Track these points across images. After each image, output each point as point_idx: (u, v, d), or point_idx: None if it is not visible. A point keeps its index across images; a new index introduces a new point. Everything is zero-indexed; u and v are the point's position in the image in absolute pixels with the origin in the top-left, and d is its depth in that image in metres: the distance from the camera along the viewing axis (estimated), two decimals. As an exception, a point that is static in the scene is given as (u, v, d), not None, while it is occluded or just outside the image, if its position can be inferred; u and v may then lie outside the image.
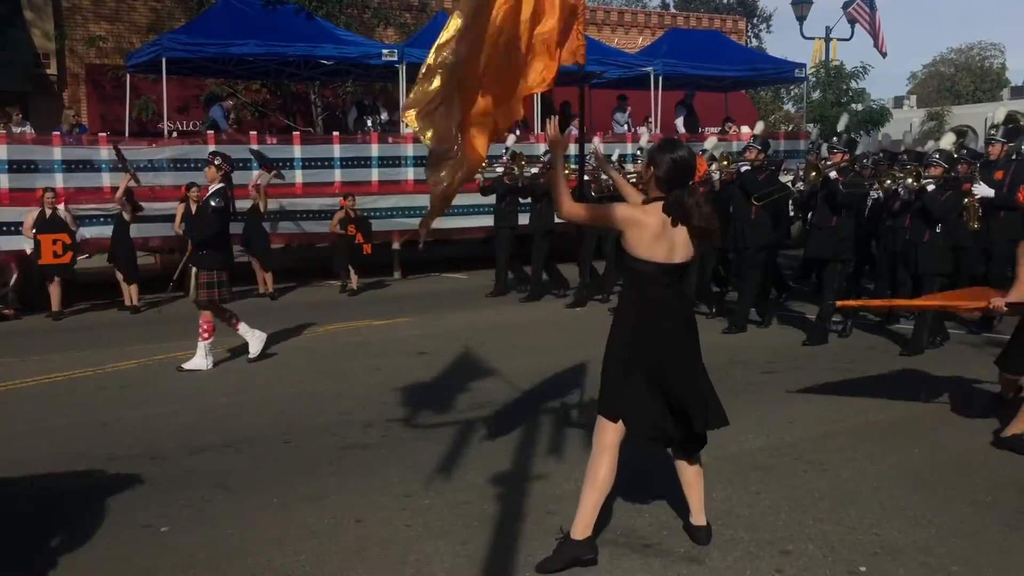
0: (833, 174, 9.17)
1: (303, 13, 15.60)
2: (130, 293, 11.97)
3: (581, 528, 4.14)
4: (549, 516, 4.68)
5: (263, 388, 7.76)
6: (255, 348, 8.71)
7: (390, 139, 14.96)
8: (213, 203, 8.31)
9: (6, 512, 5.00)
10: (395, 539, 4.52)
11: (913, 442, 6.00)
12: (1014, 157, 9.86)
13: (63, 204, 11.77)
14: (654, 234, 4.03)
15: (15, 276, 11.96)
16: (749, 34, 33.89)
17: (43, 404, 7.32)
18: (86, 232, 12.10)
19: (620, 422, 4.13)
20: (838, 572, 4.10)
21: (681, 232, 4.06)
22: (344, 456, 5.88)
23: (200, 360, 8.39)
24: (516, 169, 12.48)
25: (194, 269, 8.51)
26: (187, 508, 4.97)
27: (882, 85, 64.28)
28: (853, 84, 23.38)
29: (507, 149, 13.00)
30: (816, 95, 23.03)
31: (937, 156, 8.90)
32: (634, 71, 17.95)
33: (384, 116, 17.00)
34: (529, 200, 12.70)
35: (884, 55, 23.19)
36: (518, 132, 14.70)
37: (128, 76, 16.21)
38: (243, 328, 8.68)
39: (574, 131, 17.39)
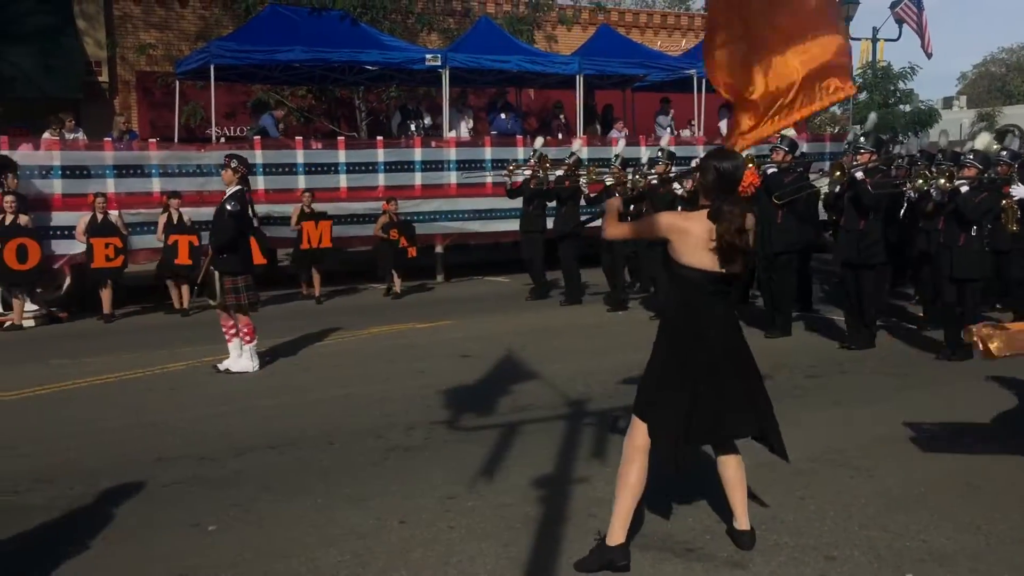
0: (860, 175, 8.88)
1: (348, 19, 15.80)
2: (182, 295, 12.17)
3: (615, 534, 4.12)
4: (591, 519, 4.67)
5: (307, 390, 7.85)
6: (235, 364, 8.44)
7: (433, 143, 15.05)
8: (228, 207, 8.20)
9: (58, 509, 5.11)
10: (438, 541, 4.55)
11: (963, 448, 5.89)
12: None
13: (115, 209, 12.02)
14: (699, 241, 4.02)
15: (68, 279, 12.23)
16: (794, 35, 33.49)
17: (95, 405, 7.48)
18: (135, 241, 12.32)
19: None
20: (885, 579, 4.05)
21: None
22: (388, 458, 5.93)
23: (246, 362, 8.46)
24: (541, 172, 12.39)
25: (217, 274, 8.50)
26: (234, 508, 5.05)
27: (931, 86, 63.41)
28: (901, 85, 23.08)
29: (535, 151, 12.94)
30: (863, 96, 22.75)
31: (971, 157, 8.58)
32: (677, 74, 17.85)
33: (428, 120, 17.11)
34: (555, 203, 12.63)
35: (929, 55, 22.83)
36: (547, 137, 14.78)
37: (177, 83, 16.52)
38: (235, 344, 8.48)
39: (615, 134, 17.42)
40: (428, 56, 15.51)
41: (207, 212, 12.67)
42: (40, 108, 16.15)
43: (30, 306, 11.47)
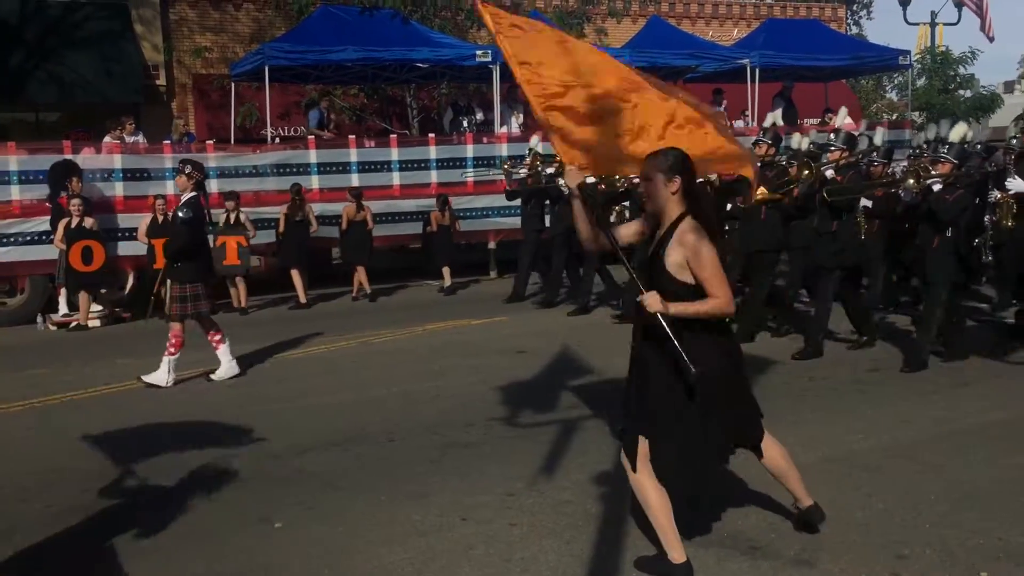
0: (830, 173, 8.48)
1: (399, 18, 15.87)
2: (239, 294, 12.38)
3: (674, 554, 3.99)
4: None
5: (364, 387, 7.91)
6: (222, 373, 8.27)
7: (484, 139, 15.07)
8: (180, 213, 8.01)
9: (130, 504, 5.22)
10: (500, 538, 4.56)
11: (1034, 443, 5.74)
12: None
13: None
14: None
15: (132, 280, 12.49)
16: (849, 22, 32.91)
17: (159, 403, 7.61)
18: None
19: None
20: (958, 577, 3.96)
21: None
22: (447, 455, 5.95)
23: (162, 375, 8.06)
24: (535, 170, 11.95)
25: (168, 282, 8.21)
26: (299, 505, 5.11)
27: (992, 70, 61.63)
28: (960, 70, 22.56)
29: (530, 150, 12.45)
30: (921, 82, 22.28)
31: (946, 151, 7.94)
32: (730, 64, 17.63)
33: (479, 116, 17.12)
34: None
35: (991, 39, 22.27)
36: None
37: (232, 84, 16.76)
38: (223, 350, 8.28)
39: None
40: (478, 52, 15.52)
41: (264, 212, 12.96)
42: (101, 112, 16.50)
43: (95, 307, 11.74)
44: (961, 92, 22.78)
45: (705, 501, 4.69)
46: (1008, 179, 8.53)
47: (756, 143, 9.55)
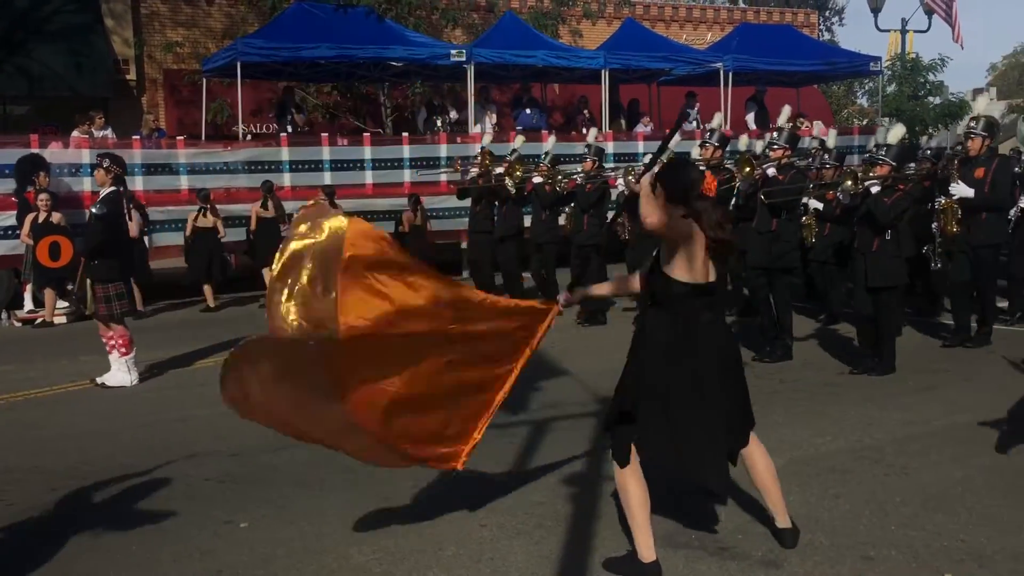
0: (772, 171, 8.23)
1: (373, 16, 15.81)
2: (207, 293, 12.28)
3: (644, 551, 4.01)
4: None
5: (337, 387, 7.84)
6: (113, 379, 7.97)
7: (458, 139, 15.05)
8: (95, 210, 7.83)
9: (89, 507, 5.15)
10: (470, 538, 4.54)
11: (996, 444, 5.79)
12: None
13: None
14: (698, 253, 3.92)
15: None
16: (821, 27, 33.23)
17: (124, 401, 7.53)
18: (162, 238, 12.42)
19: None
20: (923, 579, 3.99)
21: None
22: (417, 455, 5.91)
23: (121, 376, 7.94)
24: (486, 169, 11.66)
25: (88, 282, 7.99)
26: (266, 505, 5.06)
27: (961, 77, 62.53)
28: (930, 77, 22.81)
29: (482, 148, 12.26)
30: (891, 88, 22.51)
31: (884, 152, 7.78)
32: (704, 67, 17.73)
33: (453, 115, 17.10)
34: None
35: (962, 47, 22.56)
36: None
37: (204, 80, 16.61)
38: (113, 356, 7.98)
39: (642, 129, 17.33)
40: (453, 51, 15.51)
41: (235, 209, 12.86)
42: (69, 106, 16.31)
43: (61, 303, 11.58)
44: (931, 99, 23.01)
45: (673, 503, 4.70)
46: (952, 184, 8.43)
47: (703, 145, 9.33)
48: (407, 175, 14.30)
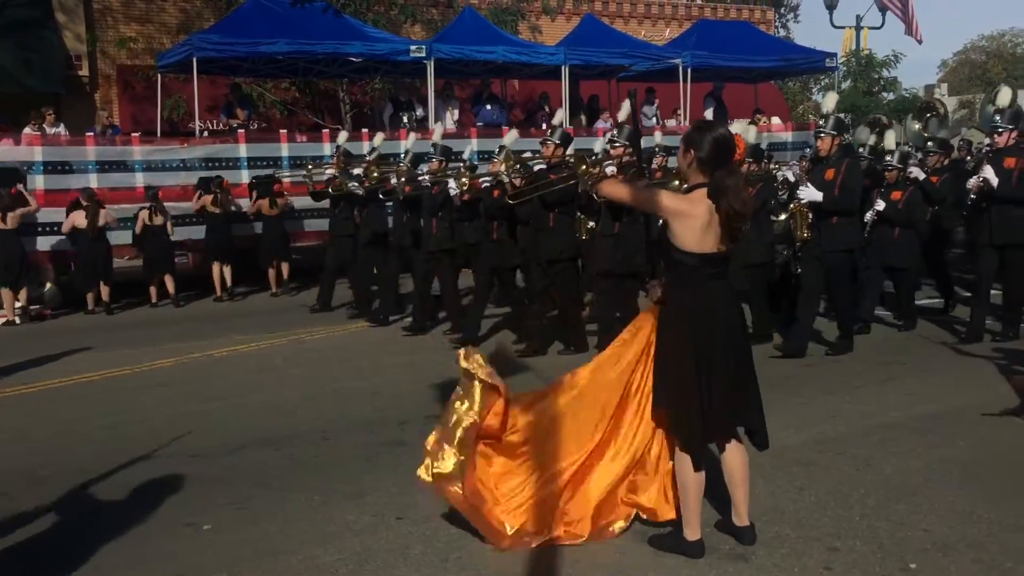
0: (611, 170, 7.84)
1: (331, 11, 15.66)
2: (170, 288, 12.15)
3: (688, 529, 4.15)
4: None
5: (298, 386, 7.77)
6: None
7: (418, 135, 14.90)
8: None
9: (51, 507, 5.03)
10: (437, 537, 4.50)
11: (958, 435, 5.89)
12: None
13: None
14: (703, 224, 3.94)
15: (51, 276, 12.13)
16: (777, 24, 33.55)
17: (83, 403, 7.38)
18: (119, 236, 12.19)
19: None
20: (889, 569, 4.02)
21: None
22: (382, 453, 5.87)
23: None
24: (342, 169, 11.16)
25: None
26: (229, 506, 4.98)
27: (913, 73, 63.44)
28: (884, 73, 23.16)
29: (338, 147, 11.91)
30: (847, 85, 22.81)
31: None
32: (662, 63, 17.82)
33: (420, 112, 17.01)
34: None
35: (920, 41, 22.90)
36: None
37: (159, 76, 16.33)
38: None
39: (602, 125, 17.36)
40: (413, 47, 15.41)
41: (190, 207, 12.67)
42: (19, 103, 15.93)
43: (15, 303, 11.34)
44: (885, 94, 23.37)
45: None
46: (801, 187, 8.18)
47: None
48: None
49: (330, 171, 11.41)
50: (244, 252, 13.09)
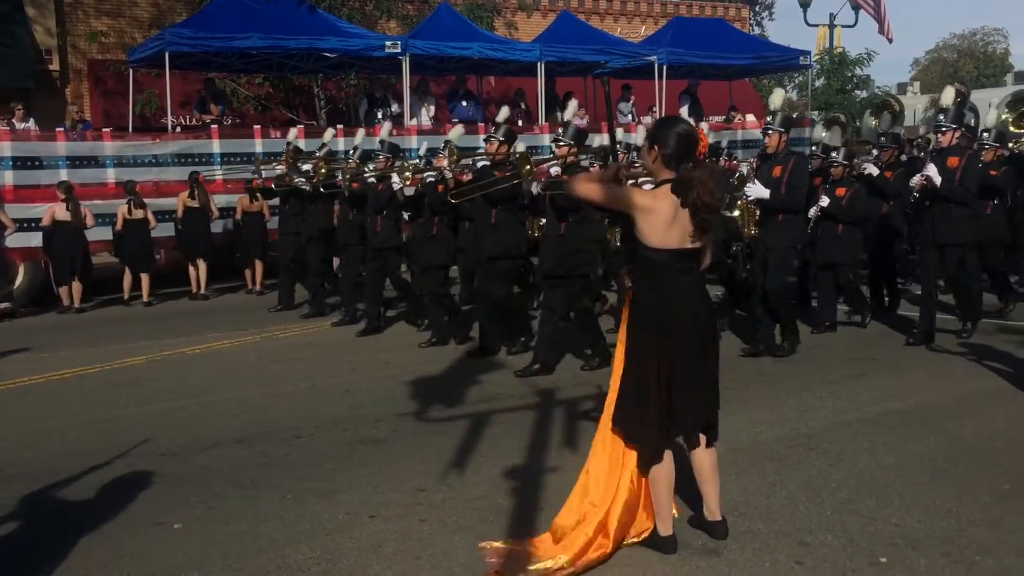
0: (555, 170, 7.68)
1: (305, 6, 15.56)
2: (145, 287, 12.03)
3: (660, 525, 4.19)
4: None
5: (272, 383, 7.72)
6: None
7: (394, 131, 14.87)
8: None
9: (17, 510, 4.96)
10: (410, 535, 4.48)
11: (929, 431, 5.94)
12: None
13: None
14: (667, 220, 3.94)
15: (20, 273, 11.98)
16: (752, 22, 33.71)
17: (53, 401, 7.30)
18: (91, 233, 12.06)
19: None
20: (859, 563, 4.05)
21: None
22: (356, 451, 5.84)
23: None
24: (290, 165, 11.11)
25: None
26: (200, 505, 4.94)
27: (885, 72, 64.25)
28: (857, 71, 23.34)
29: (288, 144, 11.67)
30: (820, 82, 22.96)
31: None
32: (638, 60, 17.85)
33: (395, 108, 16.93)
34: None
35: (891, 40, 23.10)
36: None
37: (131, 71, 16.15)
38: None
39: (577, 121, 17.35)
40: (388, 43, 15.36)
41: (163, 203, 12.57)
42: (-12, 98, 15.75)
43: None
44: (858, 92, 23.55)
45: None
46: (748, 184, 8.11)
47: (488, 139, 8.60)
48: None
49: (280, 168, 11.34)
50: (218, 249, 13.00)
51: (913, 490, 4.89)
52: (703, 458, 4.26)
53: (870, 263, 10.19)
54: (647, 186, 4.74)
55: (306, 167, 10.76)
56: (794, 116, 8.65)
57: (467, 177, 8.56)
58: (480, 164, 8.57)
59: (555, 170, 7.68)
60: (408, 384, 7.39)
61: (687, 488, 4.44)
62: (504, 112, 9.22)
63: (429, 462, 5.50)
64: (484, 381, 7.46)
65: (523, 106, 18.05)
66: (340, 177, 9.92)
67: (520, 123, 16.62)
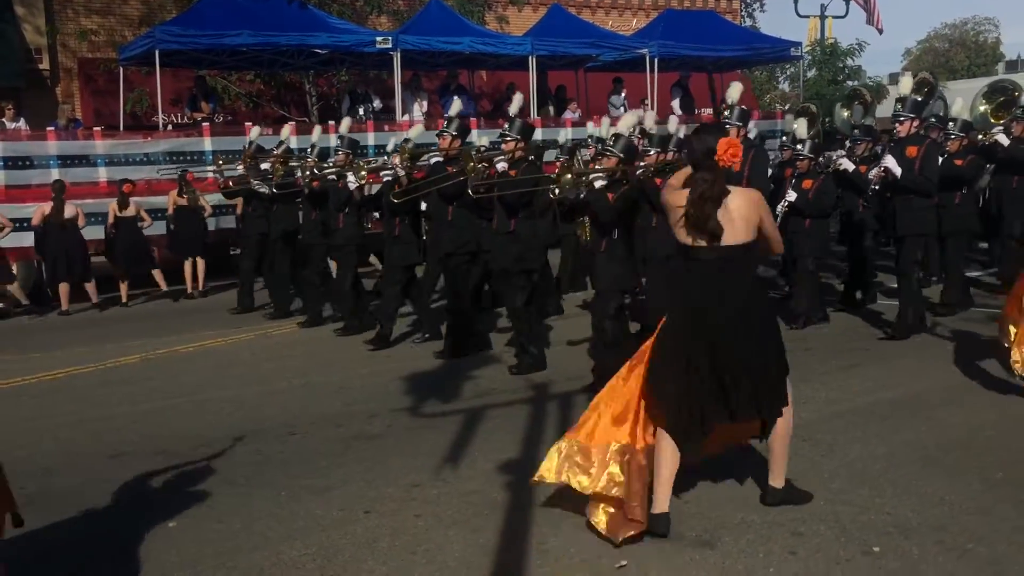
0: (502, 165, 7.49)
1: (296, 2, 15.49)
2: (123, 288, 12.02)
3: (656, 502, 4.27)
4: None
5: (266, 380, 7.72)
6: None
7: (386, 127, 14.87)
8: None
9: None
10: (405, 530, 4.49)
11: (920, 420, 5.97)
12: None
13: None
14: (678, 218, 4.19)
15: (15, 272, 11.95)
16: (743, 14, 33.69)
17: (47, 401, 7.29)
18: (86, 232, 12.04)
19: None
20: (852, 552, 4.07)
21: (724, 212, 4.12)
22: (350, 447, 5.85)
23: None
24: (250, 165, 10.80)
25: None
26: (193, 503, 4.94)
27: (877, 62, 64.35)
28: (849, 62, 23.34)
29: (250, 142, 11.26)
30: (812, 73, 22.95)
31: (612, 143, 6.89)
32: (629, 53, 17.83)
33: (377, 103, 16.89)
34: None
35: (880, 31, 23.12)
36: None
37: (121, 69, 16.10)
38: None
39: (569, 115, 17.36)
40: (378, 39, 15.31)
41: (155, 202, 12.54)
42: (-22, 97, 15.67)
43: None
44: (849, 83, 23.53)
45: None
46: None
47: (440, 134, 8.48)
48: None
49: (241, 168, 11.10)
50: (211, 247, 12.97)
51: (905, 479, 4.91)
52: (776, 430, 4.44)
53: (848, 257, 10.17)
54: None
55: (265, 166, 10.53)
56: (743, 108, 8.41)
57: (422, 175, 8.44)
58: (433, 160, 8.37)
59: (501, 166, 7.54)
60: (402, 380, 7.40)
61: (684, 483, 4.45)
62: (456, 105, 8.85)
63: (423, 457, 5.51)
64: (477, 376, 7.47)
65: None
66: (299, 175, 9.77)
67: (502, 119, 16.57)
